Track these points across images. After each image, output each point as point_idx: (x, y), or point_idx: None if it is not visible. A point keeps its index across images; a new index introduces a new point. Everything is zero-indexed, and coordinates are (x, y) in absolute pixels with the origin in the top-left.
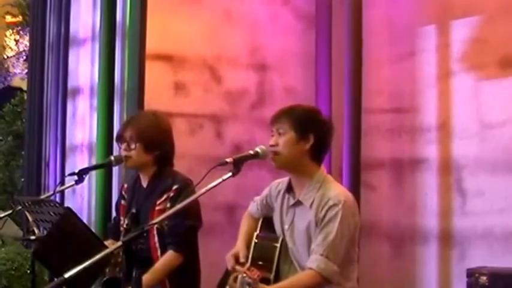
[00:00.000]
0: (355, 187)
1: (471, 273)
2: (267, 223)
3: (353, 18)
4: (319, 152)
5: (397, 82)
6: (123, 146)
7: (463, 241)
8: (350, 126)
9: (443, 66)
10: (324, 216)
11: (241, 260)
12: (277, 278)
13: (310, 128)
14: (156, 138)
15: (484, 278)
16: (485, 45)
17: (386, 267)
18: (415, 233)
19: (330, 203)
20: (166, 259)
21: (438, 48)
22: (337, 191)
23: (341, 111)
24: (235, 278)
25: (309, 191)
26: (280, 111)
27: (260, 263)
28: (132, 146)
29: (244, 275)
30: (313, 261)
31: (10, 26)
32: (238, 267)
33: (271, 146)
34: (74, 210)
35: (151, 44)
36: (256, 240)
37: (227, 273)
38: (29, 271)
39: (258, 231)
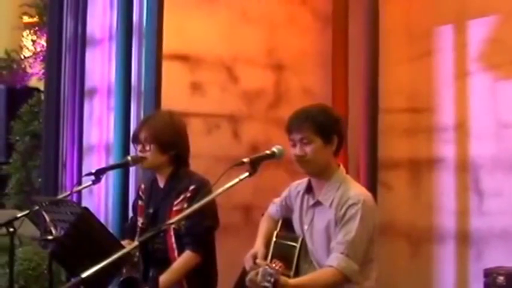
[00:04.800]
0: (372, 187)
1: (488, 273)
2: (287, 224)
3: (370, 17)
4: (340, 148)
5: (414, 82)
6: (139, 147)
7: (480, 241)
8: (367, 126)
9: (460, 66)
10: (344, 214)
11: (260, 259)
12: (297, 277)
13: (332, 130)
14: (171, 139)
15: (501, 278)
16: (502, 45)
17: (403, 266)
18: (432, 232)
19: (350, 202)
20: (183, 259)
21: (455, 48)
22: (357, 190)
23: (358, 111)
24: (257, 274)
25: (328, 190)
26: (297, 119)
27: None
28: (147, 147)
29: (266, 266)
30: (334, 260)
31: (27, 26)
32: (259, 261)
33: (299, 156)
34: (91, 210)
35: (168, 44)
36: (275, 239)
37: (244, 274)
38: (46, 271)
39: (277, 231)
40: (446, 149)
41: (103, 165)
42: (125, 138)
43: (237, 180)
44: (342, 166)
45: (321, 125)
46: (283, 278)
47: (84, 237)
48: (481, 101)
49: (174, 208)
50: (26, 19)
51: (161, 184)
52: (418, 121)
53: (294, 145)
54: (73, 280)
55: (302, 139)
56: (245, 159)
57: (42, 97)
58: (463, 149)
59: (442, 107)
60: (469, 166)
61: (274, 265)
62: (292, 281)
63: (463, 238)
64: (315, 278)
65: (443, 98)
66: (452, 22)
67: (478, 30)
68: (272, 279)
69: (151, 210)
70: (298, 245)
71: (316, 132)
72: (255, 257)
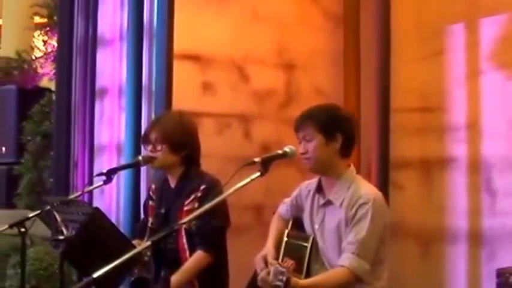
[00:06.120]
0: (383, 186)
1: (501, 273)
2: (297, 224)
3: (381, 17)
4: (348, 148)
5: (425, 81)
6: (149, 147)
7: (492, 241)
8: (378, 126)
9: (472, 64)
10: (355, 214)
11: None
12: (308, 278)
13: (336, 127)
14: (182, 139)
15: None
16: None
17: (415, 267)
18: (444, 232)
19: (360, 201)
20: (195, 259)
21: (466, 46)
22: (367, 189)
23: (369, 111)
24: (269, 273)
25: (338, 190)
26: (301, 117)
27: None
28: (158, 148)
29: (278, 265)
30: (345, 259)
31: (38, 26)
32: (270, 260)
33: (301, 153)
34: (102, 210)
35: (179, 44)
36: (286, 239)
37: (256, 275)
38: (57, 271)
39: (288, 230)
40: (458, 149)
41: (114, 165)
42: (136, 138)
43: (248, 180)
44: (352, 166)
45: (323, 122)
46: (294, 279)
47: (95, 237)
48: (492, 100)
49: (185, 208)
50: (37, 19)
51: (172, 184)
52: (430, 120)
53: (300, 143)
54: (84, 280)
55: (305, 137)
56: (256, 159)
57: (53, 97)
58: (474, 148)
59: (454, 106)
60: (481, 165)
61: (285, 264)
62: (304, 281)
63: (475, 238)
64: (327, 278)
65: (455, 97)
66: (463, 21)
67: (490, 29)
68: (284, 278)
69: (162, 211)
70: (309, 245)
71: (317, 130)
72: (265, 259)
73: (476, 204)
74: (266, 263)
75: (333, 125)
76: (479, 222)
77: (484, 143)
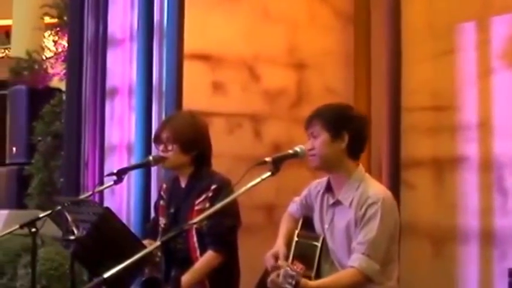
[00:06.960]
0: (395, 186)
1: None
2: (307, 223)
3: (391, 15)
4: (356, 149)
5: (436, 80)
6: (161, 147)
7: (504, 240)
8: (389, 125)
9: (484, 63)
10: (364, 214)
11: (281, 259)
12: (318, 277)
13: (343, 126)
14: (193, 139)
15: None
16: None
17: (426, 266)
18: (456, 232)
19: (370, 201)
20: (205, 259)
21: (478, 45)
22: (376, 189)
23: (380, 110)
24: (278, 275)
25: (347, 190)
26: (311, 114)
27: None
28: (169, 147)
29: (288, 268)
30: (355, 260)
31: (48, 27)
32: (281, 262)
33: (309, 150)
34: (112, 210)
35: (189, 44)
36: (297, 239)
37: (266, 274)
38: (68, 271)
39: (298, 230)
40: (470, 148)
41: (125, 165)
42: (147, 138)
43: (259, 179)
44: (361, 165)
45: (330, 120)
46: (303, 280)
47: (106, 237)
48: (504, 99)
49: (196, 208)
50: (47, 20)
51: (183, 184)
52: (441, 119)
53: (309, 140)
54: (95, 280)
55: (312, 133)
56: (267, 159)
57: (64, 97)
58: (486, 147)
59: (465, 105)
60: (493, 165)
61: (295, 267)
62: (314, 282)
63: (487, 238)
64: (336, 279)
65: (466, 96)
66: (475, 19)
67: (501, 27)
68: (293, 282)
69: (172, 210)
70: (319, 244)
71: (323, 127)
72: (276, 257)
73: (488, 203)
74: (276, 260)
75: (339, 123)
76: (491, 221)
77: (496, 142)
